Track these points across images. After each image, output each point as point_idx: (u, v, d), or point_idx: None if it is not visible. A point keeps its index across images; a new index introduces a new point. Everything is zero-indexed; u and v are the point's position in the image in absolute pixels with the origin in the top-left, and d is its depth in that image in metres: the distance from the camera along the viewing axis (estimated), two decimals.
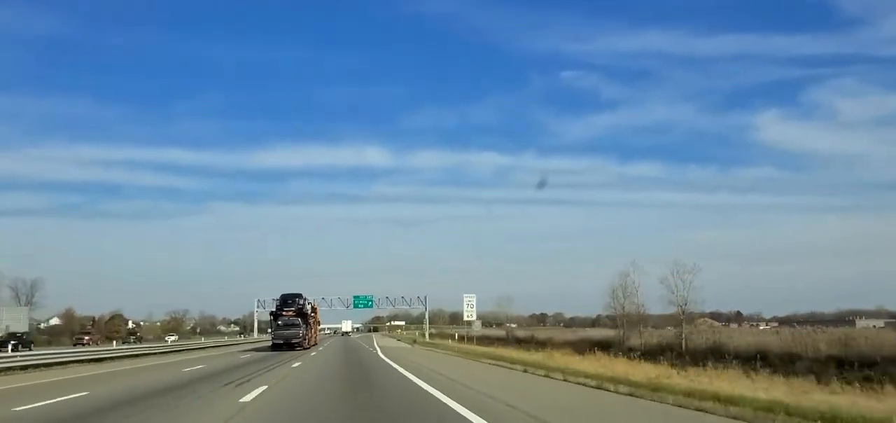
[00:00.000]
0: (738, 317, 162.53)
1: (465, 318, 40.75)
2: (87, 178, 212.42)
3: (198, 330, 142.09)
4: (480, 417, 11.94)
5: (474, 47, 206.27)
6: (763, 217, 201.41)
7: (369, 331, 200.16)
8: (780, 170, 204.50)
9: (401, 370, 26.03)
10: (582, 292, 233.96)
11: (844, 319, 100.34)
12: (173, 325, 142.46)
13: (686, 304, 63.26)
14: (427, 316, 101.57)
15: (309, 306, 58.70)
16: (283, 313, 52.62)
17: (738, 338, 61.29)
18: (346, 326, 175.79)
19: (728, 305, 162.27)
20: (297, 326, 51.41)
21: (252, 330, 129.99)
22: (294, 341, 49.77)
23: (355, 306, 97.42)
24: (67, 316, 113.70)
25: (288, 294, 55.78)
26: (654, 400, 14.65)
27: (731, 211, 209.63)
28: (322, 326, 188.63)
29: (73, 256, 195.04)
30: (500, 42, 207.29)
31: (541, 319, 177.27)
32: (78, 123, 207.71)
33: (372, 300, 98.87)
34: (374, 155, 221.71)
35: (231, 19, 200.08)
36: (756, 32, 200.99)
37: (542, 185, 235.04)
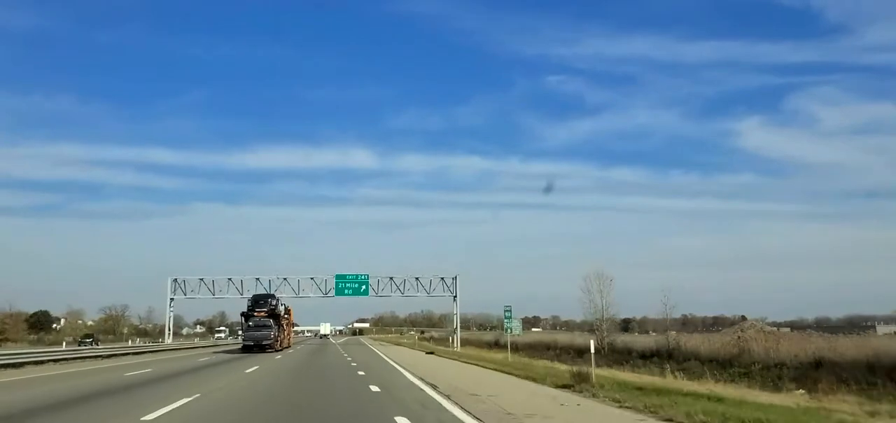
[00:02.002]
0: (742, 321, 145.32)
1: None
2: (67, 177, 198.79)
3: (125, 332, 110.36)
4: None
5: (460, 50, 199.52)
6: (745, 224, 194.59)
7: (354, 334, 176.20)
8: (761, 176, 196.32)
9: None
10: (564, 296, 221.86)
11: (861, 325, 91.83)
12: (110, 324, 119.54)
13: None
14: (458, 314, 66.03)
15: (282, 308, 55.10)
16: (255, 313, 49.86)
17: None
18: (325, 328, 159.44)
19: (716, 309, 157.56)
20: (269, 327, 49.05)
21: (220, 333, 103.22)
22: (265, 342, 47.49)
23: (339, 292, 64.15)
24: None
25: (260, 295, 53.81)
26: None
27: (713, 217, 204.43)
28: (301, 328, 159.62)
29: (46, 255, 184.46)
30: (486, 45, 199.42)
31: (533, 322, 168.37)
32: (58, 122, 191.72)
33: (367, 282, 65.70)
34: (360, 157, 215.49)
35: (215, 18, 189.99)
36: (739, 39, 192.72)
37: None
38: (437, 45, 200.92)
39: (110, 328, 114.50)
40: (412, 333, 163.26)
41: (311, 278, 63.94)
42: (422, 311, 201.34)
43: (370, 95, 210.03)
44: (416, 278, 64.63)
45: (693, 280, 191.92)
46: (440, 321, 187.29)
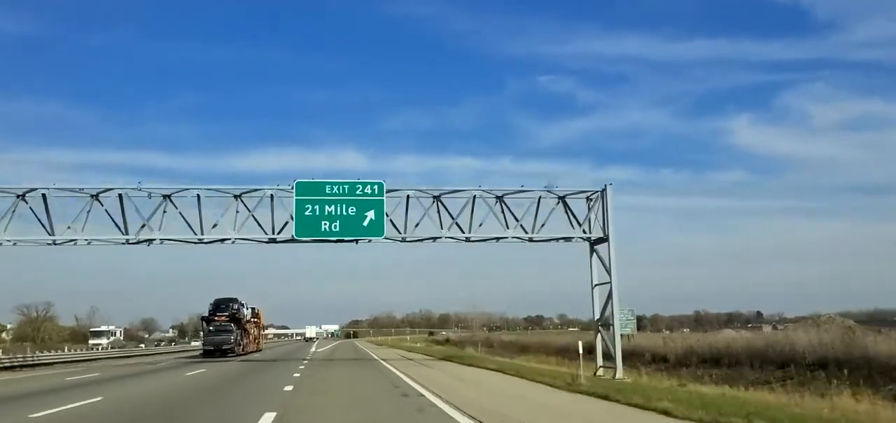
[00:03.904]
0: (758, 317, 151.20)
1: None
2: (59, 182, 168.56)
3: (27, 340, 73.65)
4: None
5: (452, 51, 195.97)
6: (738, 221, 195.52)
7: (348, 336, 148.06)
8: (752, 174, 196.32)
9: None
10: (567, 294, 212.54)
11: (888, 320, 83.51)
12: (31, 329, 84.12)
13: None
14: (615, 285, 22.12)
15: (248, 311, 52.69)
16: (215, 318, 47.57)
17: None
18: (311, 331, 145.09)
19: (718, 306, 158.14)
20: (229, 331, 46.63)
21: (99, 340, 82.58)
22: (225, 346, 45.31)
23: (307, 229, 22.57)
24: None
25: (221, 299, 49.38)
26: None
27: (707, 215, 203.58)
28: (289, 331, 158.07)
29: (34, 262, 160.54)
30: (477, 46, 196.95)
31: (536, 321, 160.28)
32: (49, 126, 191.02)
33: (380, 204, 22.94)
34: (352, 159, 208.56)
35: (206, 21, 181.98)
36: (730, 38, 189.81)
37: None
38: (428, 46, 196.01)
39: (27, 335, 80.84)
40: (414, 335, 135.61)
41: (238, 198, 23.75)
42: (420, 311, 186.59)
43: (362, 97, 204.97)
44: (499, 198, 24.80)
45: (694, 277, 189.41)
46: (441, 321, 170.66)
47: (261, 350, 56.07)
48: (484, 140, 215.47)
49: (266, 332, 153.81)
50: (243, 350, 48.94)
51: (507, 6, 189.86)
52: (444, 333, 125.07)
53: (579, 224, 25.04)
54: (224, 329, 46.52)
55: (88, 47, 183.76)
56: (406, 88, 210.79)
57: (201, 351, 47.68)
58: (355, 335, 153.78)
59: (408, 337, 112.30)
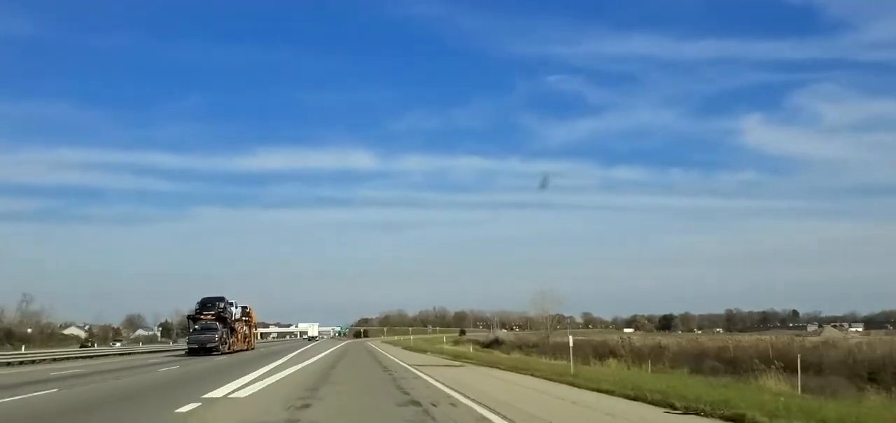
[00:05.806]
0: (795, 317, 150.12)
1: None
2: (67, 182, 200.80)
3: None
4: None
5: (460, 51, 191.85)
6: (747, 221, 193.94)
7: (357, 336, 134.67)
8: (762, 174, 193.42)
9: None
10: (572, 294, 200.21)
11: None
12: None
13: None
14: None
15: (236, 310, 53.63)
16: (201, 316, 48.80)
17: None
18: (313, 330, 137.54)
19: (725, 305, 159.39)
20: (214, 330, 47.42)
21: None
22: (209, 345, 45.84)
23: None
24: None
25: (208, 298, 50.82)
26: None
27: (716, 215, 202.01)
28: (292, 329, 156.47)
29: (46, 261, 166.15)
30: (485, 46, 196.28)
31: (557, 319, 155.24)
32: (58, 127, 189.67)
33: None
34: (360, 158, 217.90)
35: (213, 22, 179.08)
36: (740, 37, 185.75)
37: (544, 185, 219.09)
38: (436, 46, 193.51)
39: None
40: (436, 334, 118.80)
41: None
42: (433, 308, 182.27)
43: (370, 98, 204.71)
44: None
45: (709, 277, 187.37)
46: (457, 320, 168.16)
47: (253, 349, 56.98)
48: (492, 140, 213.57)
49: (268, 330, 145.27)
50: (230, 349, 48.74)
51: (517, 6, 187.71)
52: (499, 332, 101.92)
53: None
54: (209, 328, 47.00)
55: (95, 49, 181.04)
56: (414, 87, 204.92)
57: (186, 349, 47.75)
58: (366, 334, 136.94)
59: (428, 336, 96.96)
